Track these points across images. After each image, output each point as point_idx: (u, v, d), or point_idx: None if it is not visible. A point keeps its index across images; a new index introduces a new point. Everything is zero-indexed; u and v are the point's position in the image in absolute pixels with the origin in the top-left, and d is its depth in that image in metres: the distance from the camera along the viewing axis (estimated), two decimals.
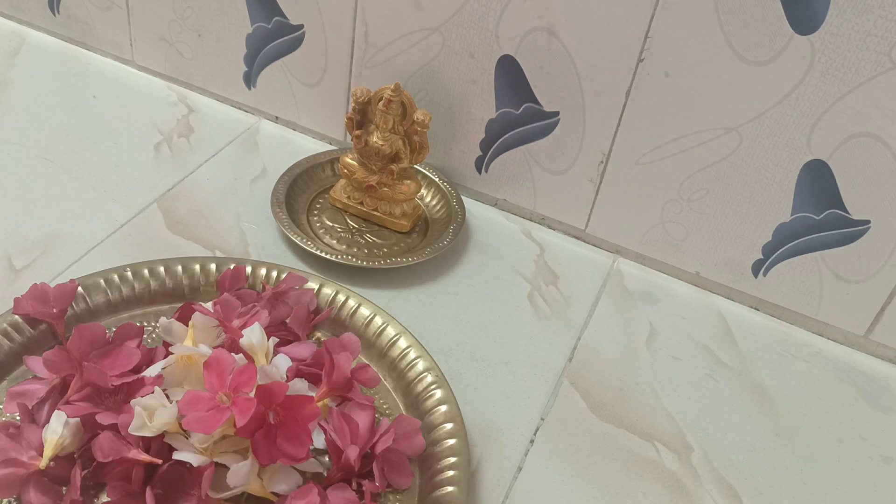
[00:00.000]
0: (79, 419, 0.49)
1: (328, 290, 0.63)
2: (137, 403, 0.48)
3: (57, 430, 0.48)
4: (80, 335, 0.51)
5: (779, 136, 0.63)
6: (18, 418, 0.50)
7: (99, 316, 0.59)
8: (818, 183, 0.64)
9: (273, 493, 0.49)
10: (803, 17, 0.58)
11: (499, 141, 0.74)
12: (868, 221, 0.64)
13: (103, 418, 0.48)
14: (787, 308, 0.70)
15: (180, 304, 0.57)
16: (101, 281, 0.60)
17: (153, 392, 0.49)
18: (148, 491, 0.46)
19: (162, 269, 0.62)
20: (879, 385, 0.66)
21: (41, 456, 0.47)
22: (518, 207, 0.77)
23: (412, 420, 0.54)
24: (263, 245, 0.70)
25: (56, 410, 0.49)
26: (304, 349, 0.56)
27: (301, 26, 0.77)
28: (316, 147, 0.81)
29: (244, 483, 0.48)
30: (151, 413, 0.47)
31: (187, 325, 0.54)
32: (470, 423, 0.57)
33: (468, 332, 0.65)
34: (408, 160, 0.70)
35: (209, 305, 0.56)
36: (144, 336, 0.58)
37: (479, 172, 0.76)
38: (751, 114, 0.63)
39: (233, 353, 0.50)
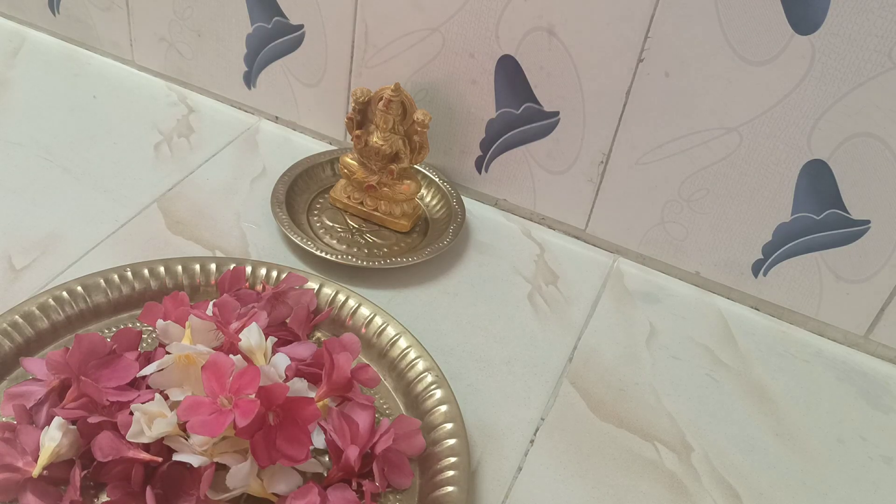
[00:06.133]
0: (76, 427, 0.49)
1: (328, 290, 0.63)
2: (137, 409, 0.48)
3: (55, 437, 0.47)
4: (78, 345, 0.51)
5: (779, 136, 0.63)
6: (15, 421, 0.50)
7: (99, 316, 0.59)
8: (818, 183, 0.64)
9: (273, 494, 0.49)
10: (803, 17, 0.58)
11: (499, 141, 0.74)
12: (868, 221, 0.64)
13: (101, 421, 0.48)
14: (787, 308, 0.70)
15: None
16: (101, 281, 0.60)
17: (153, 399, 0.49)
18: (148, 491, 0.46)
19: (162, 269, 0.62)
20: (879, 385, 0.66)
21: (37, 460, 0.47)
22: (518, 207, 0.77)
23: (412, 420, 0.54)
24: (263, 245, 0.70)
25: (56, 417, 0.48)
26: (304, 349, 0.56)
27: (301, 26, 0.77)
28: (316, 147, 0.81)
29: (243, 484, 0.48)
30: (150, 419, 0.47)
31: (163, 319, 0.54)
32: (470, 423, 0.57)
33: (468, 332, 0.65)
34: (408, 160, 0.70)
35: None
36: (144, 336, 0.58)
37: (479, 172, 0.76)
38: (751, 114, 0.63)
39: (231, 355, 0.50)
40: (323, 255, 0.67)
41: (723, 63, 0.62)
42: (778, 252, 0.68)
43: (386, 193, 0.71)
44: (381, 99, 0.68)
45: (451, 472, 0.52)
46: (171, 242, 0.68)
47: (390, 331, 0.60)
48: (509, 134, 0.73)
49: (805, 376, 0.66)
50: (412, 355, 0.59)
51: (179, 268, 0.62)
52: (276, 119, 0.84)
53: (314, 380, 0.54)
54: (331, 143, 0.83)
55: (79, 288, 0.59)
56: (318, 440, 0.51)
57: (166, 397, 0.50)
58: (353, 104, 0.69)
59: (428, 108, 0.74)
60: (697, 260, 0.71)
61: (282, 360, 0.52)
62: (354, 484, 0.51)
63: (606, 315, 0.68)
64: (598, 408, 0.61)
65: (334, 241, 0.71)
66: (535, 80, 0.69)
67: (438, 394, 0.56)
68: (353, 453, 0.50)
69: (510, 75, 0.70)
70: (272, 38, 0.79)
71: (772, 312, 0.71)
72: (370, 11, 0.73)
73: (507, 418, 0.59)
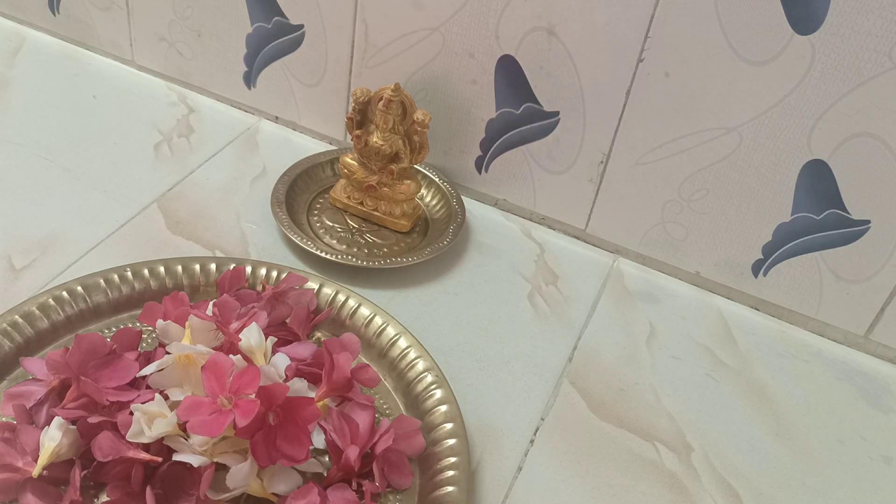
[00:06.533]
0: (76, 427, 0.49)
1: (328, 290, 0.63)
2: (137, 409, 0.47)
3: (55, 437, 0.47)
4: (78, 345, 0.51)
5: (779, 136, 0.63)
6: (15, 421, 0.50)
7: (99, 316, 0.59)
8: (818, 183, 0.64)
9: (273, 494, 0.49)
10: (803, 17, 0.58)
11: (499, 141, 0.74)
12: (868, 221, 0.64)
13: (101, 421, 0.48)
14: (787, 308, 0.70)
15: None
16: (101, 281, 0.60)
17: (153, 399, 0.49)
18: (148, 491, 0.46)
19: (162, 269, 0.62)
20: (879, 385, 0.66)
21: (37, 460, 0.47)
22: (518, 207, 0.77)
23: (412, 420, 0.54)
24: (263, 245, 0.70)
25: (56, 417, 0.48)
26: (304, 349, 0.56)
27: (301, 26, 0.77)
28: (316, 147, 0.81)
29: (243, 484, 0.48)
30: (150, 419, 0.47)
31: (163, 319, 0.54)
32: (470, 423, 0.57)
33: (468, 332, 0.65)
34: (408, 160, 0.70)
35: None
36: (144, 336, 0.58)
37: (479, 172, 0.76)
38: (751, 114, 0.63)
39: (230, 355, 0.50)
40: (323, 255, 0.67)
41: (723, 63, 0.62)
42: (778, 252, 0.68)
43: (386, 193, 0.71)
44: (381, 99, 0.68)
45: (451, 472, 0.52)
46: (171, 242, 0.68)
47: (390, 331, 0.60)
48: (509, 134, 0.73)
49: (805, 376, 0.66)
50: (412, 355, 0.59)
51: (179, 268, 0.62)
52: (276, 119, 0.84)
53: (314, 380, 0.54)
54: (331, 143, 0.83)
55: (79, 288, 0.59)
56: (318, 440, 0.51)
57: (166, 397, 0.50)
58: (353, 104, 0.69)
59: (428, 108, 0.74)
60: (697, 260, 0.71)
61: (282, 360, 0.52)
62: (354, 484, 0.51)
63: (606, 315, 0.68)
64: (598, 408, 0.61)
65: (334, 241, 0.71)
66: (535, 80, 0.69)
67: (438, 394, 0.56)
68: (353, 453, 0.50)
69: (510, 75, 0.70)
70: (272, 38, 0.79)
71: (772, 312, 0.71)
72: (370, 11, 0.73)
73: (507, 418, 0.59)
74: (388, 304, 0.65)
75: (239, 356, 0.51)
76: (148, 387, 0.51)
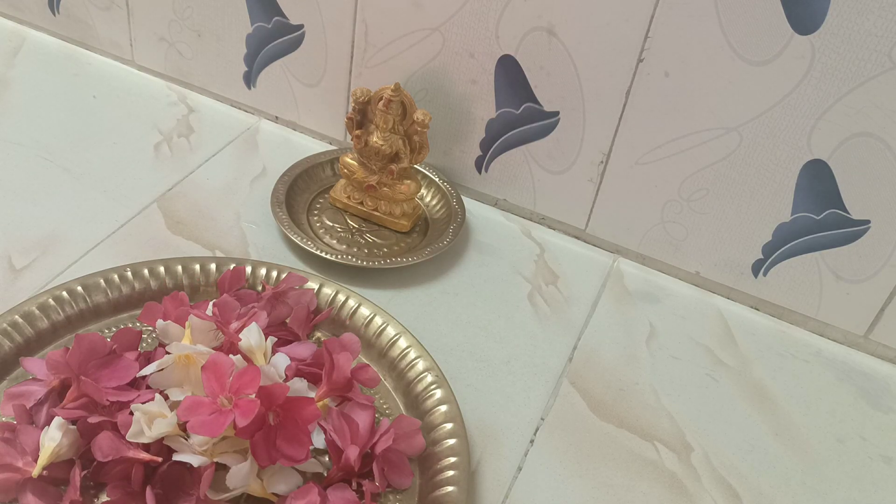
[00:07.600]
0: (76, 427, 0.48)
1: (328, 290, 0.63)
2: (137, 409, 0.47)
3: (55, 437, 0.47)
4: (78, 345, 0.51)
5: (779, 136, 0.63)
6: (15, 420, 0.50)
7: (99, 316, 0.59)
8: (818, 183, 0.64)
9: (273, 494, 0.49)
10: (803, 17, 0.58)
11: (499, 141, 0.74)
12: (868, 221, 0.64)
13: (101, 421, 0.48)
14: (787, 308, 0.70)
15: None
16: (101, 281, 0.60)
17: (153, 399, 0.49)
18: (148, 491, 0.46)
19: (162, 269, 0.62)
20: (879, 385, 0.66)
21: (37, 460, 0.47)
22: (518, 207, 0.77)
23: (412, 420, 0.54)
24: (263, 245, 0.70)
25: (56, 417, 0.48)
26: (304, 349, 0.56)
27: (301, 26, 0.77)
28: (316, 147, 0.81)
29: (243, 484, 0.48)
30: (150, 419, 0.47)
31: (163, 319, 0.54)
32: (470, 423, 0.57)
33: (468, 332, 0.65)
34: (408, 160, 0.70)
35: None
36: (144, 336, 0.58)
37: (479, 172, 0.76)
38: (751, 114, 0.63)
39: (231, 355, 0.50)
40: (323, 254, 0.67)
41: (723, 63, 0.62)
42: (778, 252, 0.68)
43: (386, 193, 0.71)
44: (381, 99, 0.68)
45: (451, 472, 0.52)
46: (171, 242, 0.68)
47: (390, 331, 0.60)
48: (509, 134, 0.73)
49: (805, 376, 0.66)
50: (412, 355, 0.59)
51: (179, 268, 0.62)
52: (276, 119, 0.84)
53: (314, 380, 0.54)
54: (331, 143, 0.83)
55: (79, 288, 0.59)
56: (318, 440, 0.51)
57: (166, 397, 0.50)
58: (353, 104, 0.69)
59: (428, 108, 0.74)
60: (697, 260, 0.71)
61: (282, 360, 0.52)
62: (354, 484, 0.51)
63: (606, 315, 0.68)
64: (598, 408, 0.61)
65: (334, 241, 0.71)
66: (535, 80, 0.69)
67: (438, 394, 0.56)
68: (353, 453, 0.50)
69: (510, 75, 0.70)
70: (272, 38, 0.79)
71: (772, 312, 0.71)
72: (370, 11, 0.73)
73: (507, 418, 0.59)
74: (388, 304, 0.65)
75: (239, 356, 0.51)
76: (148, 387, 0.51)
